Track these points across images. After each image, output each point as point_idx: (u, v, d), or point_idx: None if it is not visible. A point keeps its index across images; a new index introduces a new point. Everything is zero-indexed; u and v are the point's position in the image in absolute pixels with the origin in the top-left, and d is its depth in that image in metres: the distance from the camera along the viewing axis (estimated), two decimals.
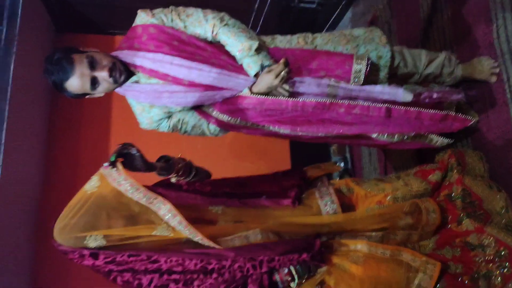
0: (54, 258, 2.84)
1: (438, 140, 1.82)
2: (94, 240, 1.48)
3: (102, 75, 1.56)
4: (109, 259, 1.50)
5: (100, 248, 1.49)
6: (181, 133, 1.82)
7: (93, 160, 3.29)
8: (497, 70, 1.85)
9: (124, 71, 1.61)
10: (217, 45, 1.67)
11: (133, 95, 1.70)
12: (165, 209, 1.52)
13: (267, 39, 1.74)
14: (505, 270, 1.58)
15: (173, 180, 1.65)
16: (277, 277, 1.58)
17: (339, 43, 1.72)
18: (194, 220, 1.60)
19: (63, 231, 1.47)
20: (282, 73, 1.56)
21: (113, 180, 1.52)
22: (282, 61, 1.57)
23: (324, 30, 3.62)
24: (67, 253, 1.50)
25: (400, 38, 2.69)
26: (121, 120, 3.37)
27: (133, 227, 1.51)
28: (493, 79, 1.87)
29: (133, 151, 1.54)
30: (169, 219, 1.51)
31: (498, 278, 1.59)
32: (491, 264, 1.62)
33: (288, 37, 1.76)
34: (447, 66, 1.95)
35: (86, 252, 1.48)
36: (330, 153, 3.62)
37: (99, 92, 1.63)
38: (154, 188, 1.61)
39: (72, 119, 3.34)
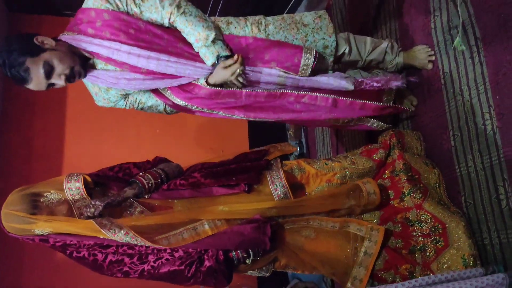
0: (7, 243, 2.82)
1: (379, 124, 1.99)
2: (41, 229, 1.49)
3: (59, 83, 1.57)
4: (59, 243, 1.52)
5: (48, 234, 1.51)
6: (138, 110, 1.86)
7: (47, 145, 3.25)
8: (433, 58, 1.98)
9: (82, 68, 1.60)
10: (173, 32, 1.67)
11: (89, 79, 1.69)
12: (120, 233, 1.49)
13: (222, 24, 1.75)
14: (438, 244, 1.71)
15: (147, 196, 1.65)
16: (233, 254, 1.64)
17: (290, 32, 1.79)
18: (150, 207, 1.67)
19: (8, 219, 1.48)
20: (238, 70, 1.62)
21: (68, 189, 1.54)
22: (238, 60, 1.62)
23: None
24: (18, 239, 1.52)
25: (351, 25, 2.80)
26: (76, 102, 3.33)
27: (75, 224, 1.49)
28: (430, 66, 2.00)
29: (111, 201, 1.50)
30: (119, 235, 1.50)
31: (432, 251, 1.72)
32: (426, 238, 1.75)
33: (242, 22, 1.78)
34: (389, 54, 2.08)
35: (35, 238, 1.51)
36: (287, 138, 3.73)
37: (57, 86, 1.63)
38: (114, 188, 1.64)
39: (26, 102, 3.26)
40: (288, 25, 1.81)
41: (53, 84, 1.59)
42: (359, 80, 1.87)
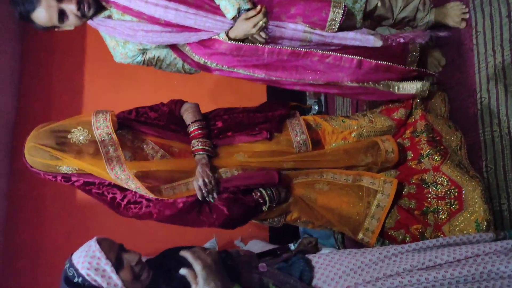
0: (29, 180, 2.91)
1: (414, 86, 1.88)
2: (66, 167, 1.50)
3: (70, 7, 1.52)
4: (81, 181, 1.54)
5: (72, 173, 1.53)
6: (156, 68, 1.81)
7: (67, 89, 3.28)
8: (467, 16, 1.89)
9: (93, 4, 1.56)
10: None
11: (106, 30, 1.66)
12: (124, 176, 1.52)
13: None
14: (452, 206, 1.70)
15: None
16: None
17: None
18: (171, 152, 1.66)
19: (33, 153, 1.46)
20: (260, 22, 1.57)
21: (96, 128, 1.53)
22: (262, 10, 1.57)
23: None
24: (39, 174, 1.52)
25: None
26: (96, 50, 3.31)
27: (100, 164, 1.50)
28: (463, 24, 1.91)
29: None
30: (128, 184, 1.53)
31: (445, 213, 1.71)
32: (441, 201, 1.74)
33: None
34: (421, 11, 1.98)
35: (58, 175, 1.52)
36: (306, 96, 3.67)
37: (68, 25, 1.59)
38: (137, 130, 1.64)
39: (45, 47, 3.26)
40: None
41: (64, 14, 1.54)
42: (386, 36, 1.81)
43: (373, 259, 1.24)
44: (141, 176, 1.54)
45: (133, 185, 1.52)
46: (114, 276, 1.14)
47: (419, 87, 1.86)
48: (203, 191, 1.57)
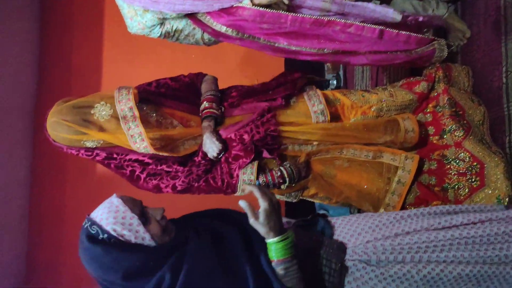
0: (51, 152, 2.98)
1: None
2: (91, 142, 1.53)
3: None
4: (102, 155, 1.57)
5: (96, 147, 1.56)
6: (172, 41, 1.80)
7: (87, 62, 3.30)
8: None
9: None
10: None
11: None
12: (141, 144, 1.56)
13: None
14: (474, 183, 1.68)
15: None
16: (269, 178, 1.68)
17: None
18: (188, 125, 1.69)
19: (57, 129, 1.49)
20: None
21: (118, 102, 1.56)
22: None
23: None
24: (62, 149, 1.55)
25: None
26: (115, 21, 3.31)
27: (123, 138, 1.55)
28: None
29: None
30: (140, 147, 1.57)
31: (466, 189, 1.70)
32: (462, 177, 1.71)
33: None
34: None
35: (81, 150, 1.55)
36: (324, 70, 3.62)
37: None
38: (159, 103, 1.67)
39: (64, 20, 3.27)
40: None
41: None
42: (405, 14, 1.79)
43: (390, 219, 1.27)
44: (161, 146, 1.58)
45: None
46: (141, 229, 1.09)
47: (436, 44, 1.86)
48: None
